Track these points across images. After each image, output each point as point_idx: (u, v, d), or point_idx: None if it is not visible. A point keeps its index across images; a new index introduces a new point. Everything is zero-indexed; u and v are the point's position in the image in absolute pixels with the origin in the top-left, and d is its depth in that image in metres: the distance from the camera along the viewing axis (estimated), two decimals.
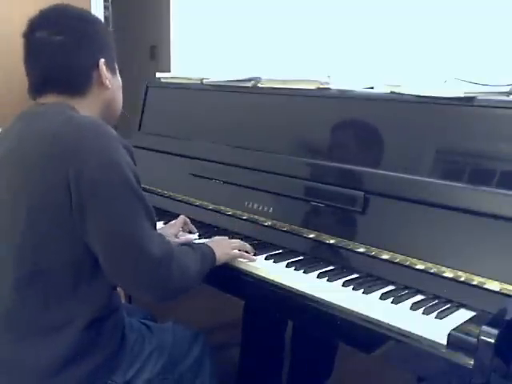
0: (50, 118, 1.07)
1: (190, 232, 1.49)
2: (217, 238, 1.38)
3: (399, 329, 1.02)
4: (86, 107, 1.13)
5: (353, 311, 1.10)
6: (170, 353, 1.25)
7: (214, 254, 1.24)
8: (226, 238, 1.38)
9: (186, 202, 1.69)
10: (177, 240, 1.39)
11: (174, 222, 1.48)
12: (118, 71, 1.22)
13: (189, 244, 1.24)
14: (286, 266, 1.28)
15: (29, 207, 1.03)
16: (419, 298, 1.12)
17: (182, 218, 1.49)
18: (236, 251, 1.31)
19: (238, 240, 1.35)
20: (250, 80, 1.67)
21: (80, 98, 1.13)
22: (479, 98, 1.19)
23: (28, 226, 1.03)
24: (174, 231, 1.44)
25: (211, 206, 1.61)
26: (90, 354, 1.09)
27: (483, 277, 1.07)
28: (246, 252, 1.33)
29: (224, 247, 1.29)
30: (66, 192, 0.99)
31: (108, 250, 1.04)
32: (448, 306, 1.08)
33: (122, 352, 1.16)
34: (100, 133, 1.04)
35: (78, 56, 1.11)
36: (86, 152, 1.00)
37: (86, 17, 1.18)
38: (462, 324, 1.00)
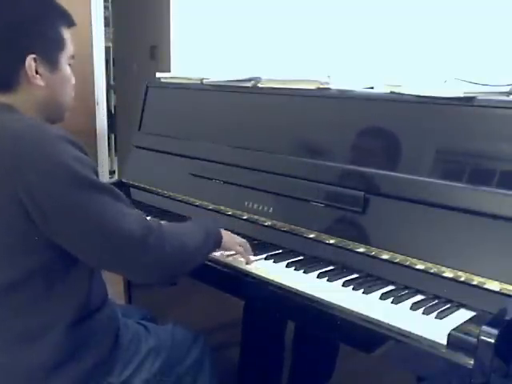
0: None
1: None
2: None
3: (399, 329, 1.02)
4: (22, 104, 1.06)
5: (353, 311, 1.10)
6: (168, 354, 1.24)
7: (219, 234, 1.23)
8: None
9: (186, 202, 1.69)
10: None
11: None
12: (65, 64, 1.12)
13: (192, 220, 1.21)
14: (286, 266, 1.28)
15: None
16: (419, 298, 1.12)
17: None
18: (240, 247, 1.30)
19: (244, 240, 1.34)
20: (250, 80, 1.67)
21: (11, 94, 1.06)
22: (479, 97, 1.19)
23: None
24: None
25: (211, 206, 1.61)
26: (82, 355, 1.07)
27: (483, 277, 1.07)
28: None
29: (232, 238, 1.29)
30: (19, 207, 0.96)
31: (85, 245, 1.01)
32: (448, 305, 1.08)
33: (116, 351, 1.15)
34: (37, 137, 0.98)
35: None
36: (28, 165, 0.95)
37: (19, 4, 1.06)
38: (462, 324, 1.00)
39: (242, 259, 1.30)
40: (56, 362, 1.05)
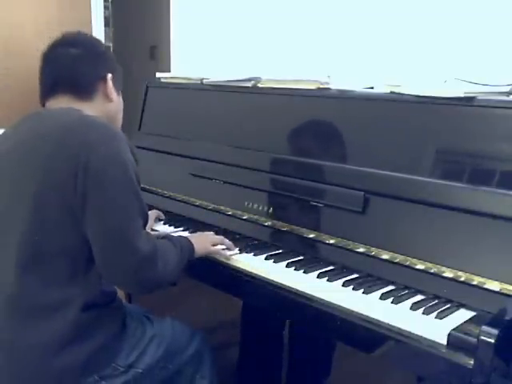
0: (60, 116, 1.17)
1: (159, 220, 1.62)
2: (199, 233, 1.42)
3: (399, 329, 1.02)
4: (91, 112, 1.21)
5: (353, 311, 1.10)
6: (170, 343, 1.30)
7: (192, 247, 1.28)
8: (211, 233, 1.40)
9: (186, 202, 1.69)
10: (155, 233, 1.45)
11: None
12: (121, 95, 1.34)
13: (169, 237, 1.27)
14: (286, 266, 1.28)
15: (35, 193, 1.10)
16: (419, 298, 1.12)
17: (154, 211, 1.60)
18: (214, 247, 1.34)
19: (220, 237, 1.38)
20: (250, 80, 1.67)
21: (85, 102, 1.24)
22: (479, 97, 1.19)
23: (32, 211, 1.10)
24: (150, 224, 1.49)
25: (211, 206, 1.61)
26: (91, 336, 1.14)
27: (483, 277, 1.07)
28: (228, 249, 1.36)
29: (203, 242, 1.33)
30: (73, 179, 1.07)
31: (101, 241, 1.10)
32: (448, 305, 1.08)
33: (123, 336, 1.22)
34: (109, 131, 1.14)
35: (88, 65, 1.25)
36: (96, 144, 1.09)
37: (100, 41, 1.37)
38: (462, 324, 1.00)
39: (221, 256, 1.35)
40: (68, 339, 1.11)
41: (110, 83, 1.28)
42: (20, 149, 1.16)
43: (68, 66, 1.24)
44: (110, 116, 1.30)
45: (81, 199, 1.07)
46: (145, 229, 1.17)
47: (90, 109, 1.23)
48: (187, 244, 1.27)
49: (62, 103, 1.23)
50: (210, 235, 1.39)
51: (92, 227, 1.09)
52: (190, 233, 1.49)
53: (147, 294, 1.23)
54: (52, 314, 1.11)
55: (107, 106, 1.29)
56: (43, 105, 1.26)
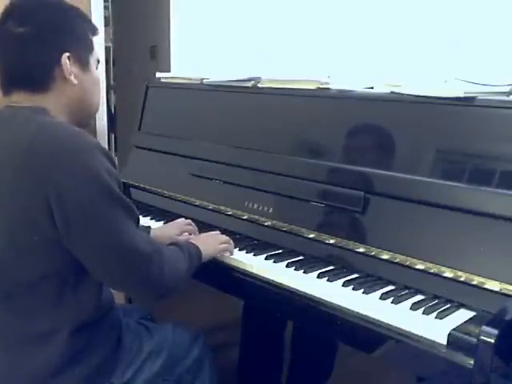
0: (18, 126, 1.03)
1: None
2: (203, 234, 1.39)
3: (399, 329, 1.02)
4: (54, 104, 1.08)
5: (353, 311, 1.10)
6: (169, 353, 1.25)
7: (200, 252, 1.25)
8: (218, 232, 1.38)
9: (186, 202, 1.69)
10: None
11: (174, 222, 1.48)
12: (94, 66, 1.16)
13: (176, 243, 1.23)
14: (286, 266, 1.28)
15: (6, 223, 1.01)
16: (419, 298, 1.12)
17: (182, 220, 1.48)
18: (223, 245, 1.32)
19: (225, 236, 1.36)
20: (250, 80, 1.67)
21: (44, 94, 1.08)
22: (479, 98, 1.19)
23: (6, 241, 1.02)
24: (177, 232, 1.42)
25: (211, 206, 1.61)
26: (85, 357, 1.08)
27: (483, 277, 1.07)
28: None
29: (212, 243, 1.31)
30: (46, 210, 0.97)
31: (98, 260, 1.04)
32: (448, 305, 1.08)
33: (119, 353, 1.16)
34: (77, 143, 1.00)
35: (35, 50, 1.06)
36: (64, 168, 0.97)
37: (57, 5, 1.11)
38: (461, 324, 1.00)
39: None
40: (59, 365, 1.06)
41: (67, 64, 1.07)
42: None
43: (15, 53, 1.06)
44: (78, 100, 1.12)
45: (63, 228, 0.98)
46: (137, 227, 1.09)
47: (51, 101, 1.07)
48: (195, 250, 1.24)
49: (19, 99, 1.07)
50: (216, 235, 1.36)
51: (84, 251, 1.02)
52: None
53: (156, 299, 1.18)
54: (41, 342, 1.05)
55: (70, 90, 1.09)
56: (5, 96, 1.10)
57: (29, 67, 1.06)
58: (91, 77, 1.15)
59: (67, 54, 1.07)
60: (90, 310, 1.09)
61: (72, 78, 1.09)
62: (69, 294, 1.06)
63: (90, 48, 1.14)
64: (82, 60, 1.12)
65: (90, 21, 1.18)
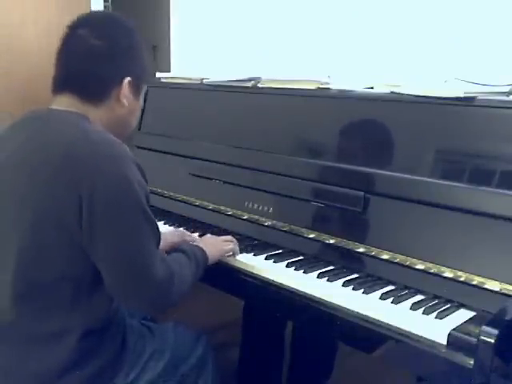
0: (61, 127, 1.07)
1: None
2: (208, 236, 1.39)
3: (399, 329, 1.02)
4: (99, 118, 1.13)
5: (353, 311, 1.10)
6: (171, 354, 1.25)
7: (206, 255, 1.25)
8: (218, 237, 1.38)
9: (186, 202, 1.69)
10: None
11: (176, 230, 1.49)
12: (141, 95, 1.22)
13: (182, 250, 1.22)
14: (286, 266, 1.28)
15: (34, 220, 1.02)
16: (419, 298, 1.12)
17: (181, 231, 1.48)
18: (229, 246, 1.33)
19: (230, 237, 1.37)
20: (250, 80, 1.67)
21: (95, 106, 1.12)
22: (479, 98, 1.19)
23: (30, 239, 1.03)
24: (178, 240, 1.41)
25: (211, 206, 1.61)
26: (91, 359, 1.09)
27: (483, 277, 1.07)
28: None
29: (215, 246, 1.31)
30: (76, 210, 0.99)
31: (114, 268, 1.04)
32: (448, 305, 1.08)
33: (123, 355, 1.16)
34: (115, 152, 1.04)
35: (106, 67, 1.12)
36: (101, 172, 1.00)
37: (132, 32, 1.18)
38: (461, 324, 1.00)
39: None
40: (66, 367, 1.06)
41: (125, 89, 1.14)
42: (17, 165, 1.06)
43: (84, 61, 1.11)
44: (121, 121, 1.18)
45: (88, 232, 1.00)
46: (158, 248, 1.11)
47: (96, 113, 1.12)
48: (202, 254, 1.24)
49: (67, 103, 1.11)
50: (217, 238, 1.36)
51: (102, 257, 1.03)
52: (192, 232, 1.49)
53: (161, 313, 1.21)
54: (52, 342, 1.06)
55: (117, 111, 1.15)
56: (54, 94, 1.14)
57: (92, 78, 1.12)
58: (138, 104, 1.21)
59: (129, 78, 1.14)
60: (101, 316, 1.11)
61: (125, 100, 1.15)
62: (83, 298, 1.07)
63: (145, 78, 1.22)
64: (137, 87, 1.18)
65: (147, 54, 1.25)
